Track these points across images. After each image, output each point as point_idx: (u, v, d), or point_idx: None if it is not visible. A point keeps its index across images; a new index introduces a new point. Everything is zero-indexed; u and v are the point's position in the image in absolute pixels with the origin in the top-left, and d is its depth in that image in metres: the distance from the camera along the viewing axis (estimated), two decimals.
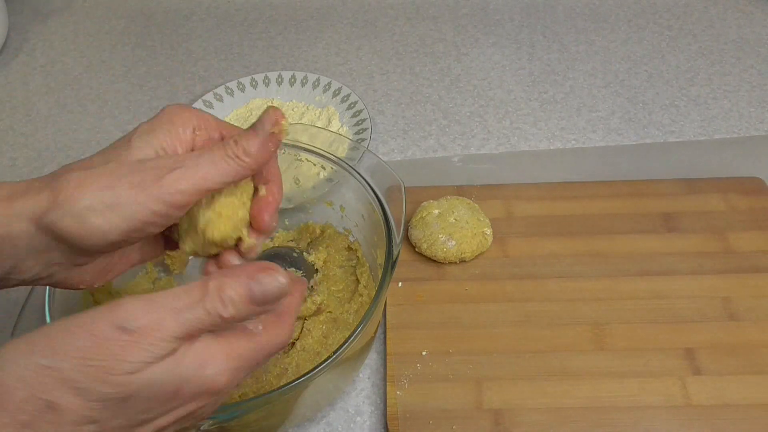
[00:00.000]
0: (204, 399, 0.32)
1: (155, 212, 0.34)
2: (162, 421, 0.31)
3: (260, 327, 0.33)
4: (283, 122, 0.36)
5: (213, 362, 0.31)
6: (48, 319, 0.46)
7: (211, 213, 0.37)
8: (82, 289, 0.39)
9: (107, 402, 0.29)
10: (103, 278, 0.39)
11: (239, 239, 0.38)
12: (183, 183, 0.34)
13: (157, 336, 0.29)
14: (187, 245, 0.38)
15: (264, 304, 0.32)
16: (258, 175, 0.39)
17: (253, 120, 0.83)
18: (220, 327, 0.31)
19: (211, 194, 0.37)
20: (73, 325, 0.29)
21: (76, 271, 0.37)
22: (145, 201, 0.33)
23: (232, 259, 0.39)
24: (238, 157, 0.35)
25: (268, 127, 0.36)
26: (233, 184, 0.37)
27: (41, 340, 0.29)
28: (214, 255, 0.39)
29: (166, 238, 0.42)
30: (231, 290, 0.31)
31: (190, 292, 0.31)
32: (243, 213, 0.38)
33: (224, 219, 0.37)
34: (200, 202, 0.37)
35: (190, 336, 0.30)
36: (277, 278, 0.32)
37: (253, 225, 0.38)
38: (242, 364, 0.32)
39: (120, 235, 0.34)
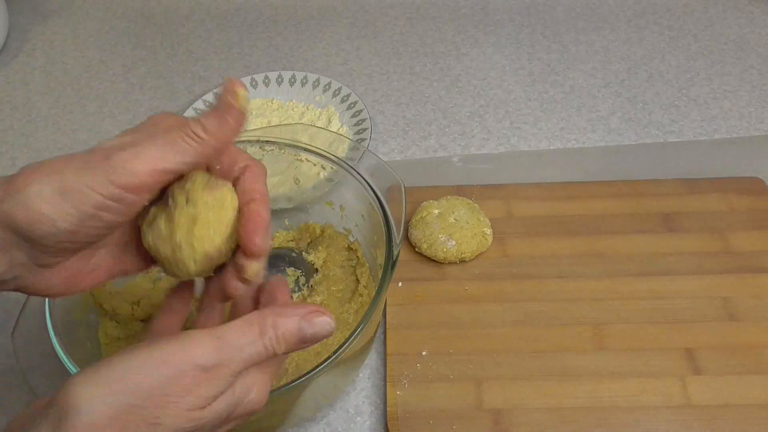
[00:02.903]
0: (245, 417, 0.35)
1: (106, 195, 0.31)
2: None
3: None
4: (239, 90, 0.34)
5: (255, 388, 0.34)
6: (48, 319, 0.45)
7: (191, 209, 0.34)
8: (53, 297, 0.37)
9: None
10: (75, 287, 0.36)
11: (232, 266, 0.36)
12: (135, 163, 0.32)
13: (226, 372, 0.32)
14: (161, 252, 0.35)
15: (309, 343, 0.34)
16: (225, 170, 0.36)
17: (252, 119, 0.83)
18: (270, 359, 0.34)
19: (186, 197, 0.34)
20: (147, 360, 0.30)
21: (42, 275, 0.35)
22: (92, 183, 0.31)
23: (238, 285, 0.36)
24: (196, 135, 0.33)
25: (226, 99, 0.34)
26: (195, 167, 0.34)
27: (115, 376, 0.30)
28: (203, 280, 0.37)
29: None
30: (285, 329, 0.33)
31: (250, 329, 0.33)
32: (229, 229, 0.35)
33: (209, 225, 0.34)
34: (178, 205, 0.34)
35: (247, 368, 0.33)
36: (328, 321, 0.34)
37: (244, 250, 0.35)
38: (271, 382, 0.35)
39: (72, 223, 0.32)
